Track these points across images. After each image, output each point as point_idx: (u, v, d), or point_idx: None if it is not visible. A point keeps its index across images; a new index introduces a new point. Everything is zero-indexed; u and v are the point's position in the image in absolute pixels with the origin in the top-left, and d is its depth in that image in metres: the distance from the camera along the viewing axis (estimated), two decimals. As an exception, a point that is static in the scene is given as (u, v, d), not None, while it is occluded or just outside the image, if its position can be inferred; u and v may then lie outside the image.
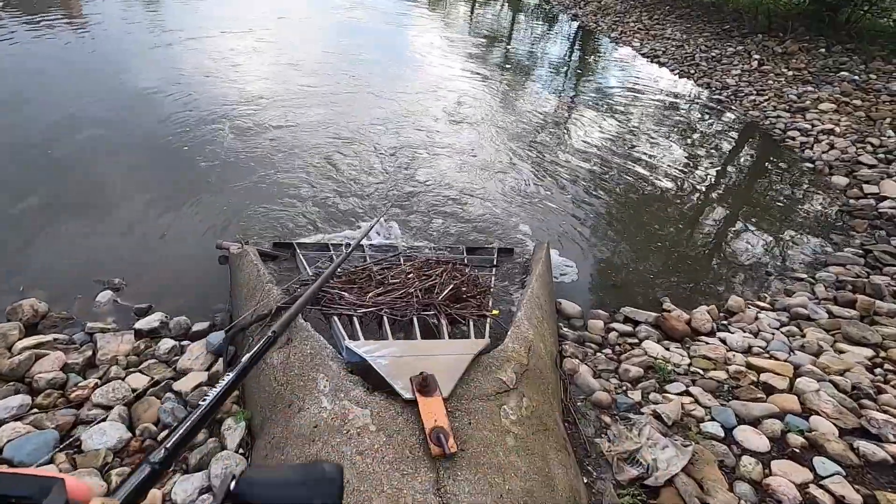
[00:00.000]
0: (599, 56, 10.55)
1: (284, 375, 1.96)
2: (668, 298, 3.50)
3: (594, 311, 3.30)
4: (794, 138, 6.66)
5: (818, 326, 3.18)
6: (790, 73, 8.38)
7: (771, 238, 4.49)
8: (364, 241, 3.63)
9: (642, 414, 2.26)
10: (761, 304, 3.53)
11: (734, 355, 2.80)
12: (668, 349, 2.95)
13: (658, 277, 3.79)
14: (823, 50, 8.85)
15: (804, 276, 3.93)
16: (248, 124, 5.35)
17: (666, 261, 4.01)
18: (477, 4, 15.33)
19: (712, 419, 2.28)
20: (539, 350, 2.24)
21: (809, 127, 6.80)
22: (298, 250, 3.39)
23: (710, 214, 4.81)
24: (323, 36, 9.50)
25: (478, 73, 8.26)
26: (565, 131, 6.40)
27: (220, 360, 2.37)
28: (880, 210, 4.97)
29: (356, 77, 7.25)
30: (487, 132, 5.99)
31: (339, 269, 2.83)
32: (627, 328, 3.15)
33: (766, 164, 6.09)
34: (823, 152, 6.21)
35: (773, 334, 3.09)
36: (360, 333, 2.11)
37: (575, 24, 12.77)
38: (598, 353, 2.89)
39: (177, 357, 2.45)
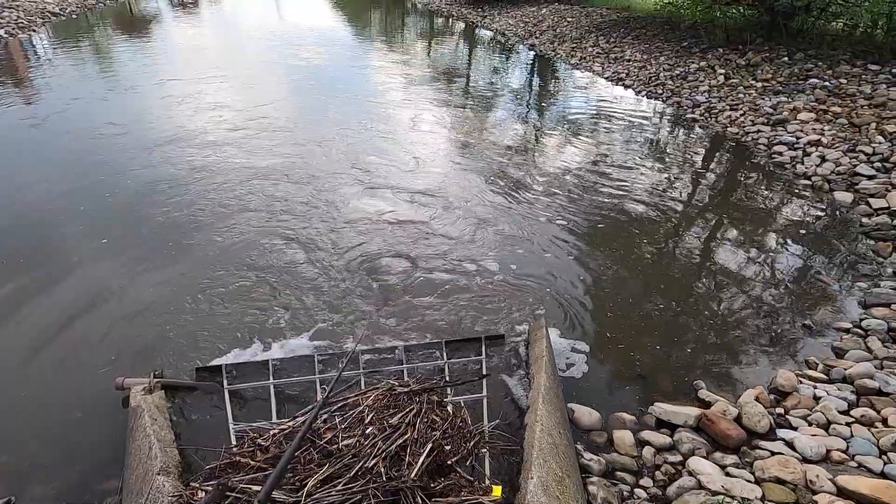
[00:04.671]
0: (562, 83, 10.23)
1: None
2: (702, 383, 2.80)
3: (617, 417, 2.57)
4: (781, 153, 6.24)
5: (897, 405, 2.52)
6: (759, 84, 8.11)
7: (793, 278, 3.89)
8: (316, 353, 2.85)
9: None
10: (814, 373, 2.86)
11: (817, 475, 2.09)
12: (724, 469, 2.23)
13: (682, 349, 3.10)
14: (786, 58, 8.67)
15: (848, 324, 3.31)
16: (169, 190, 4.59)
17: (686, 325, 3.34)
18: (433, 41, 15.12)
19: None
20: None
21: (794, 140, 6.40)
22: (226, 378, 2.58)
23: (719, 256, 4.20)
24: (279, 81, 8.89)
25: (441, 112, 7.73)
26: (538, 168, 5.82)
27: None
28: (898, 228, 4.47)
29: (311, 120, 6.60)
30: (453, 179, 5.35)
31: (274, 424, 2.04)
32: (664, 438, 2.43)
33: (761, 186, 5.60)
34: (816, 166, 5.78)
35: (850, 426, 2.41)
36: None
37: (532, 54, 12.55)
38: (637, 489, 2.15)
39: None
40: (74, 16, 15.44)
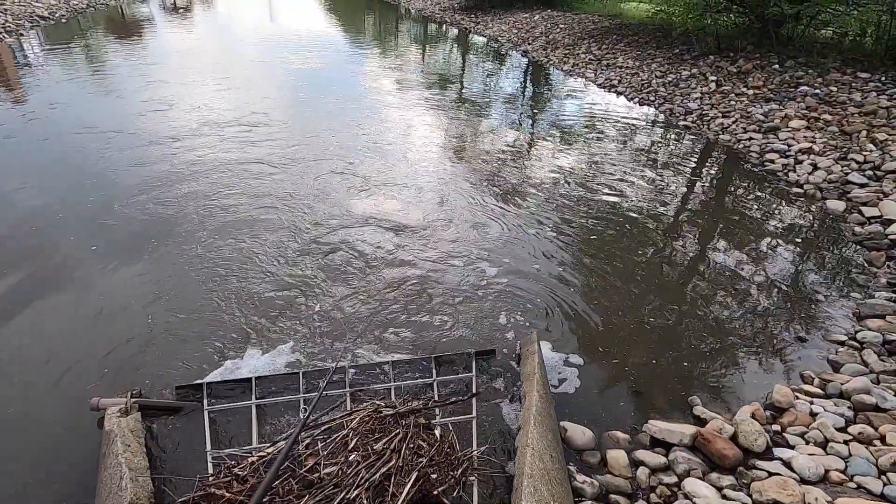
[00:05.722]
0: (555, 89, 10.22)
1: None
2: (697, 398, 2.74)
3: (610, 435, 2.50)
4: (773, 161, 6.24)
5: None
6: (750, 91, 8.13)
7: (787, 289, 3.85)
8: (301, 370, 2.76)
9: None
10: (810, 388, 2.81)
11: (816, 498, 2.03)
12: (721, 491, 2.17)
13: (677, 363, 3.04)
14: (777, 66, 8.71)
15: (843, 337, 3.27)
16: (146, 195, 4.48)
17: (680, 337, 3.28)
18: (427, 47, 15.11)
19: None
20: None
21: (786, 147, 6.41)
22: (207, 397, 2.49)
23: (712, 266, 4.16)
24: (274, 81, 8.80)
25: (433, 115, 7.68)
26: (530, 174, 5.77)
27: None
28: (891, 237, 4.45)
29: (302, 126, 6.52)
30: (446, 183, 5.28)
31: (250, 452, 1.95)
32: (659, 458, 2.36)
33: (754, 194, 5.58)
34: (808, 174, 5.78)
35: (848, 445, 2.36)
36: None
37: (525, 60, 12.56)
38: (632, 514, 2.08)
39: None
40: (64, 20, 15.28)
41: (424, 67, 11.92)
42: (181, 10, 19.82)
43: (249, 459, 1.82)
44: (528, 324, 3.28)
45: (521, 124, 8.00)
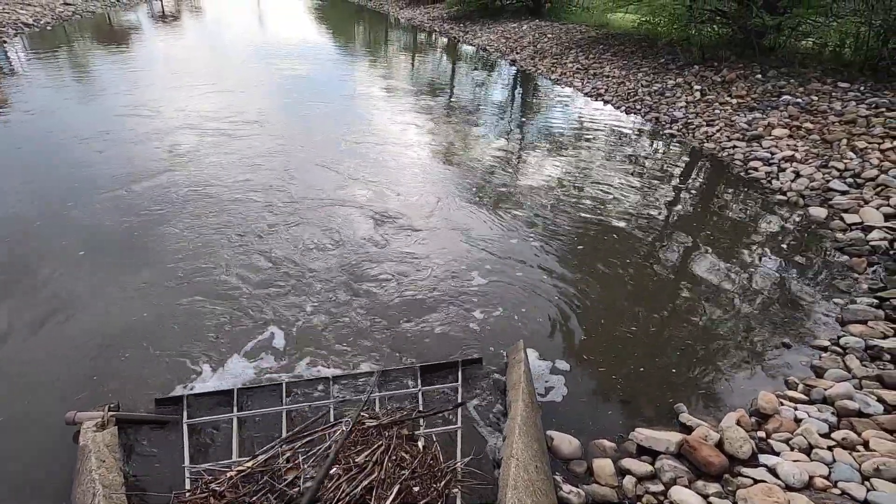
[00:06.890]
0: (543, 98, 10.30)
1: None
2: (683, 406, 2.74)
3: (597, 444, 2.49)
4: (756, 169, 6.33)
5: (878, 427, 2.49)
6: (734, 100, 8.27)
7: (771, 295, 3.89)
8: (284, 381, 2.72)
9: None
10: (794, 394, 2.83)
11: (801, 505, 2.03)
12: (707, 498, 2.16)
13: (663, 371, 3.05)
14: (759, 76, 8.87)
15: (826, 342, 3.29)
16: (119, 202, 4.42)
17: (666, 345, 3.29)
18: (417, 56, 15.18)
19: None
20: None
21: (769, 155, 6.51)
22: (187, 410, 2.44)
23: (697, 274, 4.19)
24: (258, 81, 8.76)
25: (421, 120, 7.69)
26: (517, 182, 5.79)
27: None
28: (871, 243, 4.52)
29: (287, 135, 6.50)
30: (433, 191, 5.28)
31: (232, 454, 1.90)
32: (645, 466, 2.35)
33: (738, 202, 5.65)
34: (791, 181, 5.87)
35: (831, 450, 2.36)
36: None
37: (514, 69, 12.67)
38: (618, 524, 2.06)
39: None
40: (49, 27, 15.14)
41: (413, 75, 11.98)
42: (169, 18, 19.75)
43: (228, 474, 1.78)
44: (514, 331, 3.26)
45: (508, 131, 8.05)
